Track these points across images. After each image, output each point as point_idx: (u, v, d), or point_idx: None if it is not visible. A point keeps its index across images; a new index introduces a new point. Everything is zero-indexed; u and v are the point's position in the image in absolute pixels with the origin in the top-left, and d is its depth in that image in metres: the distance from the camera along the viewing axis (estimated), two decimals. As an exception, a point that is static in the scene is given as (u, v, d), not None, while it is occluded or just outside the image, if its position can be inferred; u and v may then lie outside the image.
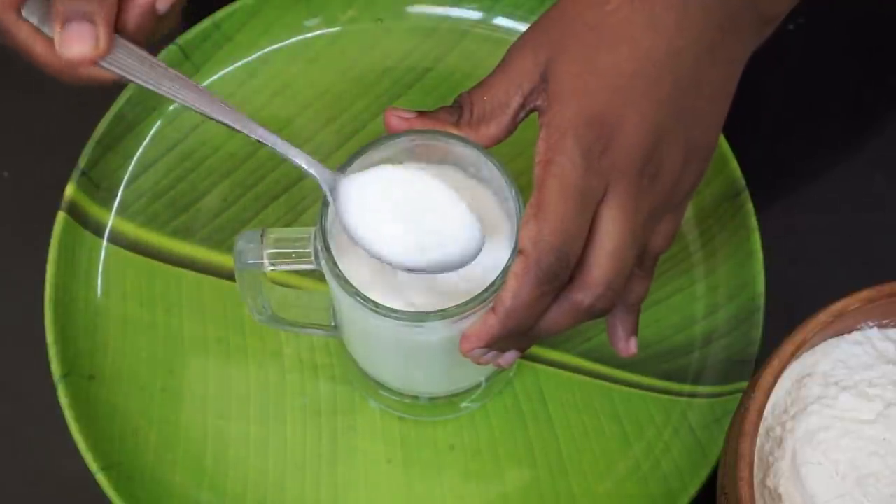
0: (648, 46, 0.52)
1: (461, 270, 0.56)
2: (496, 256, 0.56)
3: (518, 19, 0.73)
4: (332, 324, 0.63)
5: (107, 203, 0.69)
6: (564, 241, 0.51)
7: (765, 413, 0.55)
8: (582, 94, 0.52)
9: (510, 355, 0.55)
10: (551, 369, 0.67)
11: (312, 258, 0.56)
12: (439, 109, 0.56)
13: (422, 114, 0.56)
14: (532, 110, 0.54)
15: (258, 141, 0.54)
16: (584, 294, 0.53)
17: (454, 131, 0.55)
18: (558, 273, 0.51)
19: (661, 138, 0.52)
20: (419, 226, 0.55)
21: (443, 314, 0.54)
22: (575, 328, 0.66)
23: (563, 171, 0.51)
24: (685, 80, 0.53)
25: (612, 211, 0.52)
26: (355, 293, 0.54)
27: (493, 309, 0.53)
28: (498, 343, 0.54)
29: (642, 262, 0.56)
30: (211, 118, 0.55)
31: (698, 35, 0.53)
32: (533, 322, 0.53)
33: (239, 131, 0.55)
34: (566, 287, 0.53)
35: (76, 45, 0.55)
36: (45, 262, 0.66)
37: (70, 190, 0.68)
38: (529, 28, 0.55)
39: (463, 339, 0.54)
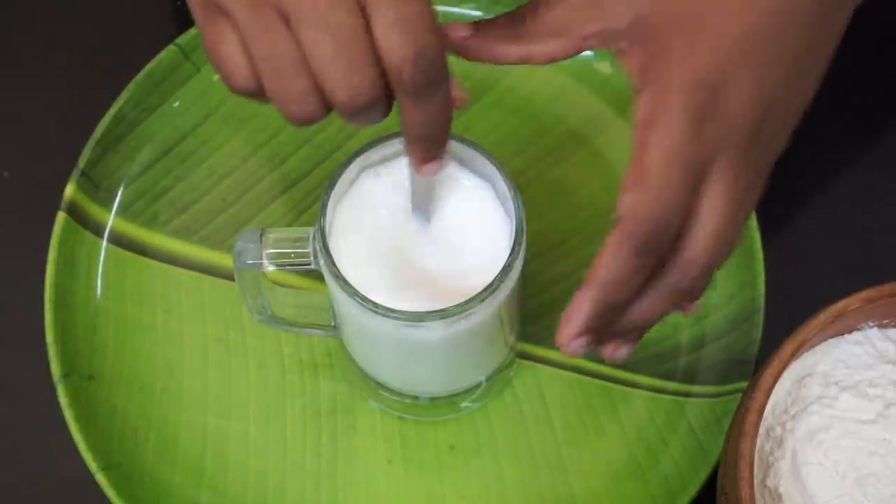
0: (763, 3, 0.48)
1: (461, 271, 0.56)
2: (495, 257, 0.56)
3: (518, 19, 0.73)
4: (332, 324, 0.63)
5: (107, 203, 0.69)
6: (666, 212, 0.47)
7: (765, 413, 0.55)
8: (689, 54, 0.47)
9: (617, 348, 0.51)
10: (551, 369, 0.67)
11: (311, 258, 0.57)
12: (500, 18, 0.51)
13: (478, 26, 0.51)
14: (604, 46, 0.50)
15: None
16: (682, 275, 0.49)
17: (514, 47, 0.50)
18: (657, 246, 0.47)
19: (771, 106, 0.48)
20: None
21: (442, 314, 0.54)
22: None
23: (669, 135, 0.46)
24: (796, 40, 0.48)
25: (718, 185, 0.48)
26: (354, 293, 0.54)
27: (582, 286, 0.48)
28: (592, 324, 0.49)
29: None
30: None
31: None
32: (625, 299, 0.49)
33: None
34: (661, 268, 0.49)
35: (426, 170, 0.52)
36: (45, 262, 0.66)
37: (70, 190, 0.68)
38: None
39: (558, 333, 0.49)
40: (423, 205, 0.56)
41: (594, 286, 0.48)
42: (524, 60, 0.51)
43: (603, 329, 0.50)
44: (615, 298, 0.48)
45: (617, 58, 0.50)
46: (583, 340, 0.49)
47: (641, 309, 0.50)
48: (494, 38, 0.51)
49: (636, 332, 0.52)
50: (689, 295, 0.50)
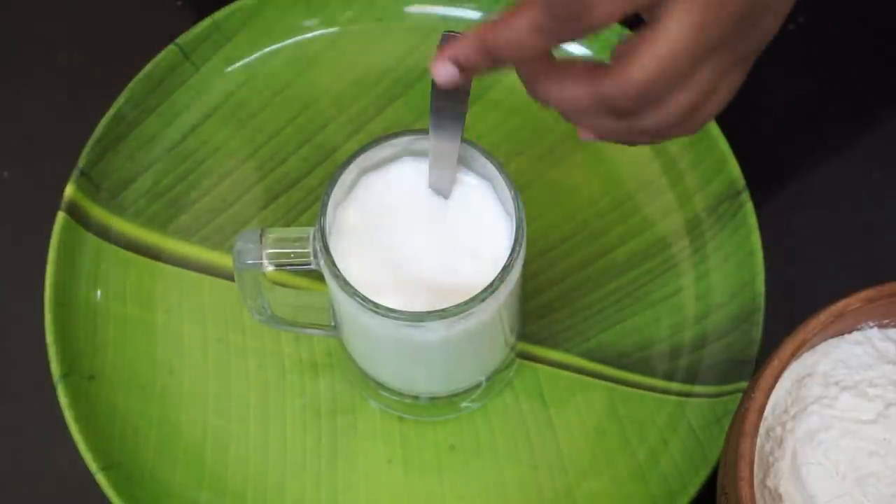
0: None
1: (461, 271, 0.56)
2: (496, 257, 0.56)
3: (518, 19, 0.73)
4: (332, 324, 0.63)
5: (107, 203, 0.69)
6: None
7: (765, 413, 0.55)
8: None
9: (445, 70, 0.49)
10: (551, 369, 0.67)
11: (311, 258, 0.57)
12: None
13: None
14: None
15: None
16: (613, 86, 0.47)
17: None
18: (565, 16, 0.45)
19: None
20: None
21: (442, 314, 0.54)
22: (575, 329, 0.67)
23: None
24: None
25: (684, 14, 0.45)
26: (354, 293, 0.54)
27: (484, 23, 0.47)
28: (466, 61, 0.48)
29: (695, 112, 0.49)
30: None
31: None
32: (512, 57, 0.47)
33: None
34: (600, 70, 0.47)
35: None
36: (45, 262, 0.66)
37: (70, 190, 0.68)
38: None
39: (435, 56, 0.49)
40: (441, 182, 0.57)
41: (489, 23, 0.47)
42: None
43: (473, 71, 0.49)
44: (498, 44, 0.47)
45: None
46: (451, 68, 0.49)
47: (562, 95, 0.48)
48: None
49: (563, 114, 0.50)
50: (615, 109, 0.48)
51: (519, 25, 0.47)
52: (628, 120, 0.49)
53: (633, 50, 0.46)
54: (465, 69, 0.49)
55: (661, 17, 0.46)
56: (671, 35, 0.46)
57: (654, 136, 0.50)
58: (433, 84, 0.52)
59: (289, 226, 0.70)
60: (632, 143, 0.52)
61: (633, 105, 0.47)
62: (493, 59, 0.48)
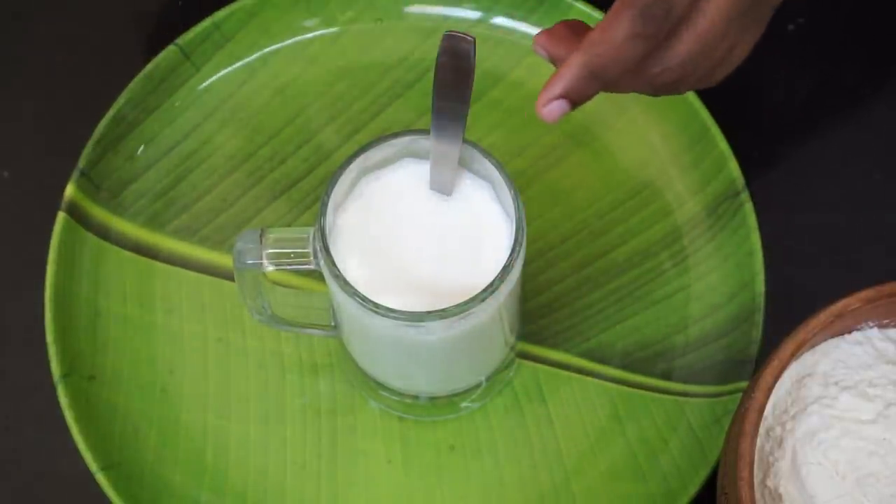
0: None
1: (461, 271, 0.56)
2: (496, 257, 0.56)
3: (517, 19, 0.73)
4: (332, 324, 0.63)
5: (107, 203, 0.69)
6: None
7: (765, 413, 0.55)
8: None
9: (557, 106, 0.52)
10: (551, 369, 0.67)
11: (311, 258, 0.57)
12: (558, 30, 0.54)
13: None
14: None
15: None
16: (657, 63, 0.51)
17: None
18: (656, 16, 0.49)
19: None
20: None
21: (442, 314, 0.54)
22: (575, 329, 0.67)
23: None
24: None
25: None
26: (354, 293, 0.54)
27: (578, 49, 0.50)
28: (577, 91, 0.51)
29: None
30: None
31: None
32: (617, 73, 0.50)
33: None
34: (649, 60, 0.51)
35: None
36: (45, 262, 0.66)
37: (70, 190, 0.68)
38: None
39: (542, 92, 0.51)
40: (442, 182, 0.57)
41: (588, 47, 0.49)
42: None
43: (583, 99, 0.51)
44: (605, 65, 0.49)
45: None
46: (563, 104, 0.51)
47: (622, 88, 0.52)
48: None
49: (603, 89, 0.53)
50: (659, 85, 0.52)
51: (615, 40, 0.49)
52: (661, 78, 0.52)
53: (674, 33, 0.50)
54: (578, 101, 0.51)
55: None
56: (707, 14, 0.50)
57: (676, 88, 0.53)
58: (434, 84, 0.52)
59: (289, 226, 0.70)
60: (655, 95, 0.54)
61: (676, 77, 0.52)
62: (602, 82, 0.50)
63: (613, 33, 0.49)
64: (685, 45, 0.51)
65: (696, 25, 0.51)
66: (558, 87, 0.50)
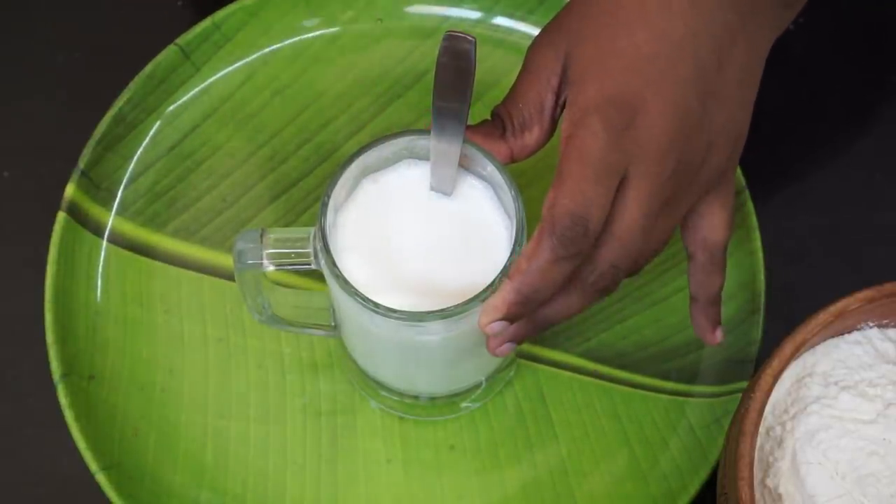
0: (664, 28, 0.52)
1: (461, 271, 0.56)
2: (496, 257, 0.56)
3: (517, 19, 0.73)
4: (332, 324, 0.63)
5: (107, 203, 0.69)
6: (580, 206, 0.51)
7: (765, 413, 0.55)
8: (602, 75, 0.53)
9: (507, 346, 0.56)
10: (551, 369, 0.67)
11: (312, 258, 0.57)
12: (484, 123, 0.56)
13: (470, 127, 0.56)
14: (565, 103, 0.54)
15: None
16: (589, 270, 0.53)
17: (502, 144, 0.56)
18: (574, 239, 0.51)
19: (684, 121, 0.52)
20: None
21: (442, 314, 0.54)
22: (575, 329, 0.67)
23: (582, 143, 0.51)
24: (706, 61, 0.53)
25: (630, 191, 0.52)
26: (355, 293, 0.54)
27: (509, 276, 0.53)
28: (514, 314, 0.53)
29: (710, 257, 0.57)
30: None
31: (713, 17, 0.53)
32: (549, 293, 0.53)
33: None
34: (579, 275, 0.53)
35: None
36: (45, 262, 0.66)
37: (70, 190, 0.68)
38: (545, 27, 0.56)
39: (482, 314, 0.54)
40: (442, 182, 0.57)
41: (517, 275, 0.52)
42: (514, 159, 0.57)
43: (521, 317, 0.54)
44: (536, 291, 0.52)
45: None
46: (501, 326, 0.54)
47: (557, 306, 0.54)
48: (490, 139, 0.56)
49: (546, 326, 0.56)
50: (598, 288, 0.54)
51: (541, 266, 0.52)
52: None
53: (601, 236, 0.53)
54: (517, 338, 0.55)
55: (615, 200, 0.52)
56: (623, 214, 0.52)
57: (612, 288, 0.55)
58: (434, 84, 0.52)
59: (289, 226, 0.70)
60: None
61: (613, 281, 0.54)
62: (537, 302, 0.53)
63: (537, 260, 0.52)
64: (612, 252, 0.53)
65: (616, 231, 0.52)
66: (495, 313, 0.53)
